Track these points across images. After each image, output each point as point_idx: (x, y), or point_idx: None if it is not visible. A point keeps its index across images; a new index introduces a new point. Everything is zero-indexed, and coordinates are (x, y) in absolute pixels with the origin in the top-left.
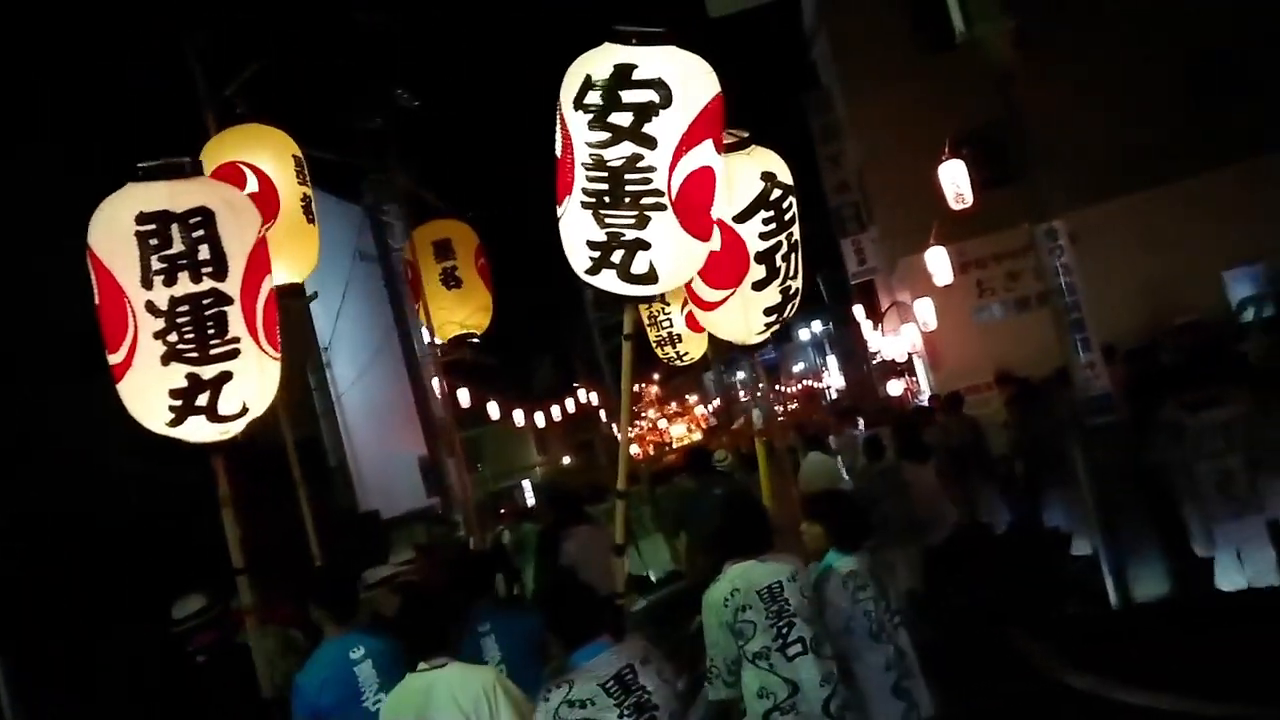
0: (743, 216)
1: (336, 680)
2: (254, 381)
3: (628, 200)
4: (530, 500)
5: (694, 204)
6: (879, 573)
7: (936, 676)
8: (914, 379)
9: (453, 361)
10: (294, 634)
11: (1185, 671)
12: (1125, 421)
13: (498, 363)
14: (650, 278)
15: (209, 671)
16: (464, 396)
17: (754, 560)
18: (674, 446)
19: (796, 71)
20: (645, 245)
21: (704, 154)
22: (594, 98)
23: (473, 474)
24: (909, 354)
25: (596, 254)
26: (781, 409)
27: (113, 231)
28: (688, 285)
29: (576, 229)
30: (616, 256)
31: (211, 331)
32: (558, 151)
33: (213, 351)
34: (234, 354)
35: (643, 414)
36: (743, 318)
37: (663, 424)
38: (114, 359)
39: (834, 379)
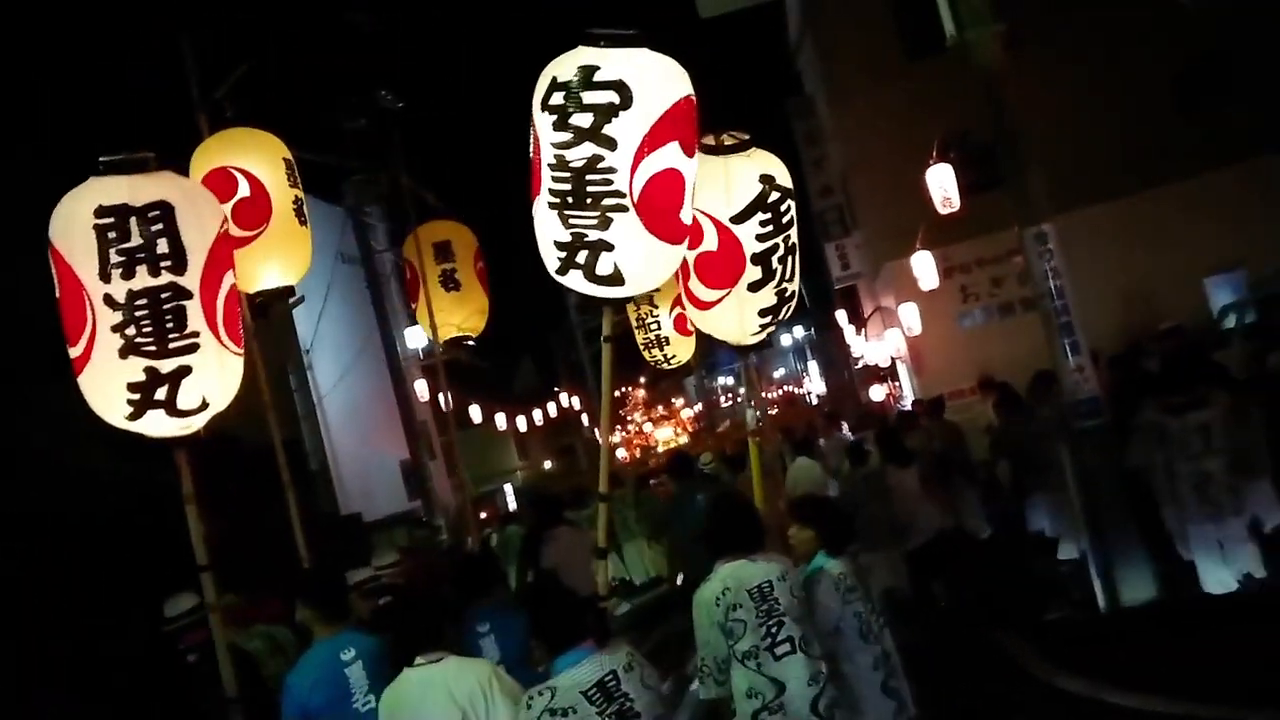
0: (740, 218)
1: (327, 681)
2: (214, 376)
3: (589, 201)
4: (512, 504)
5: (658, 206)
6: (860, 576)
7: (923, 678)
8: (897, 384)
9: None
10: (280, 633)
11: (1175, 673)
12: (1112, 425)
13: (489, 365)
14: (616, 279)
15: (199, 670)
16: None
17: (745, 559)
18: (660, 450)
19: (781, 76)
20: (609, 246)
21: (668, 156)
22: (557, 99)
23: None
24: (892, 359)
25: (563, 254)
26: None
27: (72, 225)
28: (684, 286)
29: (545, 229)
30: (581, 257)
31: (170, 325)
32: (530, 152)
33: (171, 345)
34: (193, 348)
35: (628, 418)
36: (737, 318)
37: (648, 427)
38: (74, 352)
39: (815, 384)
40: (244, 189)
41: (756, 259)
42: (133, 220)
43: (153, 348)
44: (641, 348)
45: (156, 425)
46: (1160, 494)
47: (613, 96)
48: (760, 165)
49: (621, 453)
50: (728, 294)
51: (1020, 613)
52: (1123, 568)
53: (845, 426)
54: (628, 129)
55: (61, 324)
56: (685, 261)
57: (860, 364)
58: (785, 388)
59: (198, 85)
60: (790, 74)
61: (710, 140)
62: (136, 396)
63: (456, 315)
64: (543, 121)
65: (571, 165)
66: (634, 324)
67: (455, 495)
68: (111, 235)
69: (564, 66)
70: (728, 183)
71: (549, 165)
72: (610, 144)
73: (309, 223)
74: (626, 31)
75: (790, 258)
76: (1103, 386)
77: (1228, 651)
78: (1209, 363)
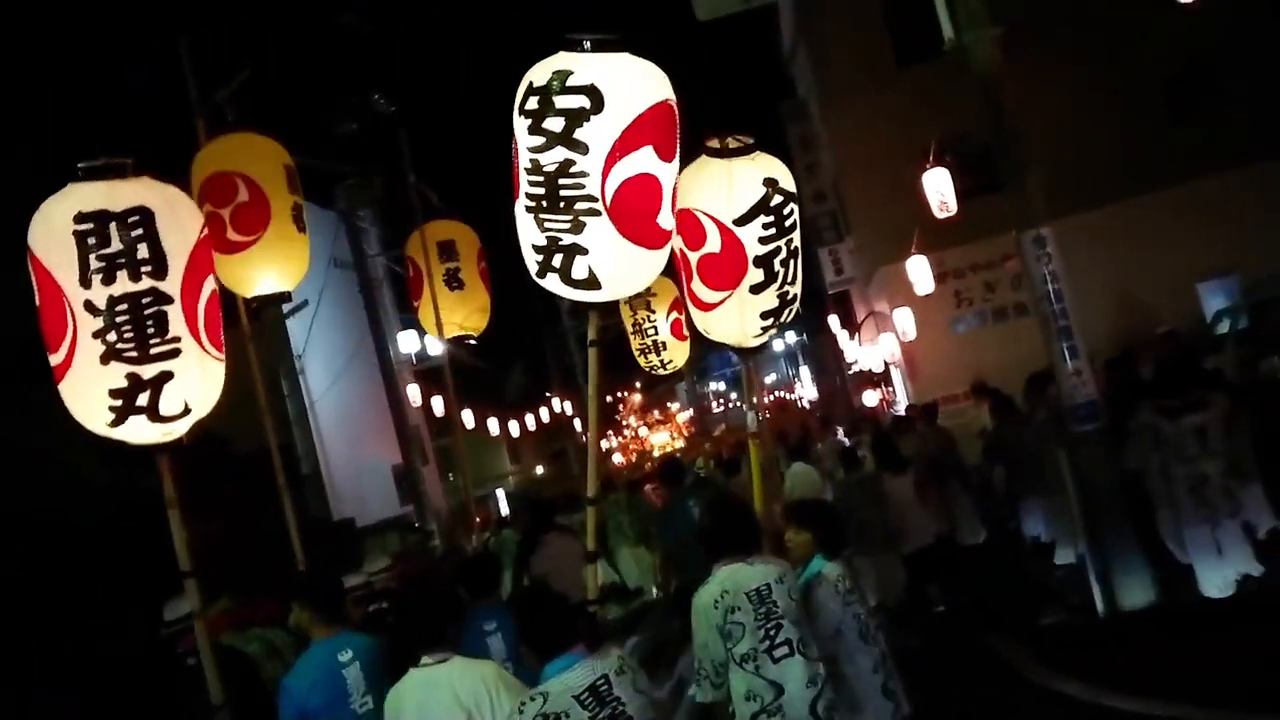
0: (743, 220)
1: (325, 682)
2: (196, 381)
3: (563, 205)
4: (504, 509)
5: (632, 211)
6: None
7: (920, 683)
8: (890, 389)
9: (434, 369)
10: (277, 637)
11: (1174, 677)
12: (1109, 428)
13: (489, 366)
14: (592, 283)
15: (199, 672)
16: (438, 404)
17: (743, 562)
18: (656, 455)
19: (773, 81)
20: (583, 250)
21: (642, 161)
22: (533, 103)
23: (457, 480)
24: (886, 364)
25: (540, 258)
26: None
27: (51, 231)
28: (687, 287)
29: (523, 233)
30: (557, 261)
31: (151, 331)
32: (511, 157)
33: (153, 351)
34: (175, 353)
35: (624, 422)
36: (739, 320)
37: (644, 432)
38: (54, 359)
39: (807, 390)
40: (243, 194)
41: (759, 261)
42: (112, 226)
43: (134, 353)
44: (637, 353)
45: (139, 432)
46: (1155, 497)
47: (584, 101)
48: (764, 169)
49: (618, 458)
50: (730, 295)
51: (1016, 617)
52: (1121, 572)
53: (840, 431)
54: (599, 133)
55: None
56: (688, 262)
57: (854, 369)
58: (777, 393)
59: (195, 89)
60: (783, 78)
61: (715, 143)
62: (118, 403)
63: (459, 314)
64: (519, 126)
65: (545, 169)
66: (630, 329)
67: (447, 499)
68: (91, 241)
69: (540, 72)
70: (731, 185)
71: (525, 169)
72: (582, 148)
73: (307, 229)
74: (607, 36)
75: (792, 261)
76: (1099, 390)
77: (1227, 654)
78: (1202, 368)
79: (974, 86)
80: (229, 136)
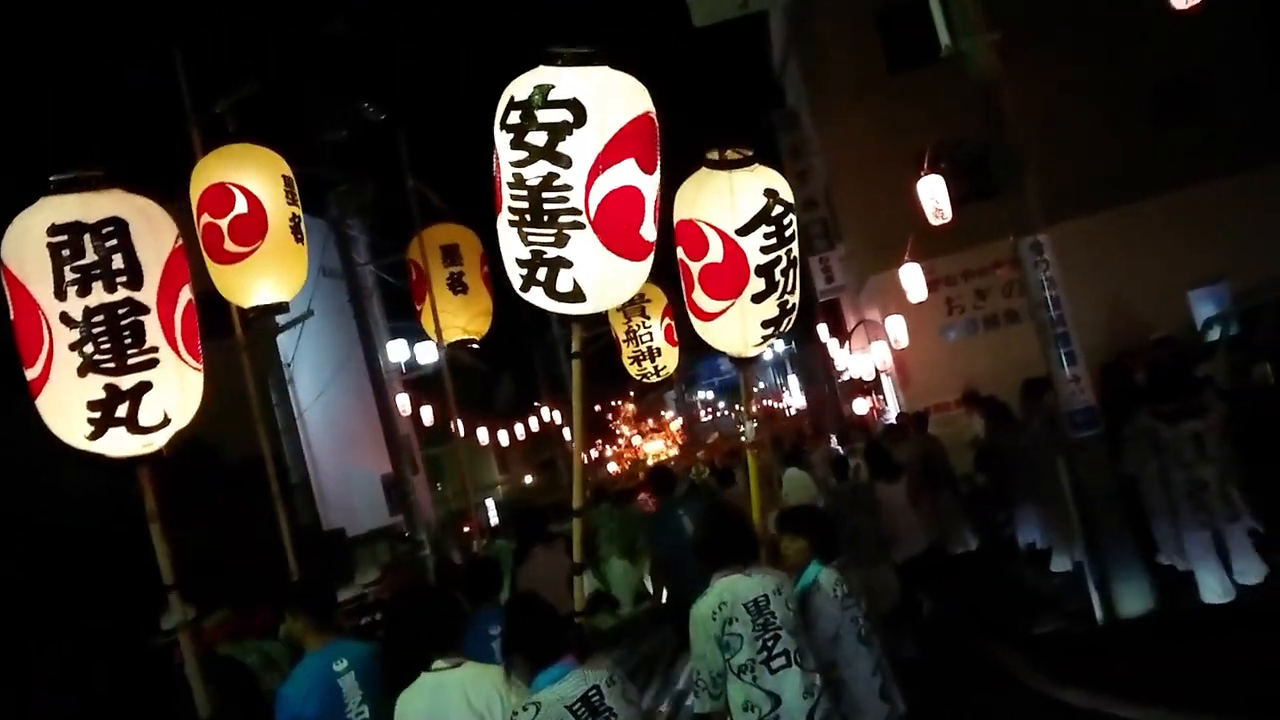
0: (745, 230)
1: (320, 691)
2: (175, 391)
3: (546, 219)
4: (494, 519)
5: (616, 223)
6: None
7: (918, 690)
8: (880, 397)
9: (424, 378)
10: (274, 649)
11: (1174, 684)
12: (1106, 434)
13: (488, 369)
14: (577, 296)
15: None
16: (427, 414)
17: (740, 573)
18: (650, 464)
19: (764, 90)
20: (567, 263)
21: (625, 173)
22: (514, 118)
23: (446, 490)
24: (877, 371)
25: (525, 271)
26: (741, 429)
27: (25, 244)
28: (688, 297)
29: (507, 247)
30: (542, 274)
31: (128, 341)
32: (493, 171)
33: (130, 361)
34: (152, 363)
35: (617, 431)
36: (740, 329)
37: (636, 440)
38: (30, 374)
39: (795, 398)
40: (241, 205)
41: (760, 271)
42: (86, 237)
43: (111, 364)
44: (630, 361)
45: (118, 444)
46: (1150, 503)
47: (566, 115)
48: (764, 180)
49: (613, 466)
50: (731, 305)
51: (1012, 625)
52: (1119, 579)
53: (834, 439)
54: (582, 146)
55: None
56: (690, 273)
57: (844, 377)
58: (765, 401)
59: (190, 101)
60: (773, 88)
61: (714, 156)
62: (97, 415)
63: (462, 318)
64: (501, 140)
65: (528, 183)
66: (623, 337)
67: (436, 509)
68: (66, 253)
69: (521, 86)
70: (733, 196)
71: (508, 183)
72: (565, 161)
73: (305, 239)
74: (585, 49)
75: (791, 270)
76: (1095, 395)
77: (1227, 661)
78: (1195, 374)
79: (967, 93)
80: (227, 147)
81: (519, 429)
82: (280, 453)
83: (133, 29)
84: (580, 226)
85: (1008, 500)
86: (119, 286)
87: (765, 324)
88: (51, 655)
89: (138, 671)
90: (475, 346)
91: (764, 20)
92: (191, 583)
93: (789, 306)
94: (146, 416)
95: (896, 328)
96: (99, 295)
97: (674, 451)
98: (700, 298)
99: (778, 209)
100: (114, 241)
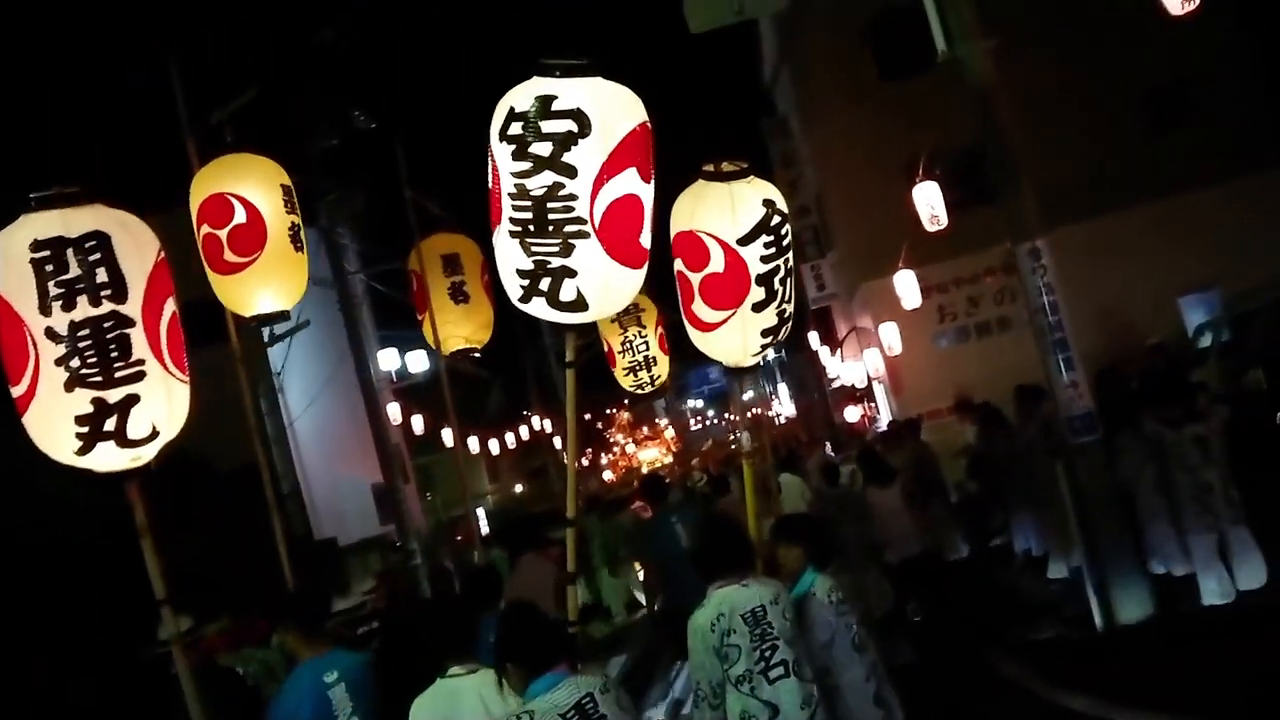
0: (746, 240)
1: (311, 702)
2: (162, 404)
3: (551, 228)
4: (485, 528)
5: (619, 232)
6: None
7: (916, 697)
8: (872, 404)
9: (414, 386)
10: (273, 657)
11: (1174, 690)
12: (1104, 440)
13: (490, 375)
14: (579, 305)
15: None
16: (418, 423)
17: (738, 584)
18: (645, 472)
19: (754, 99)
20: (571, 273)
21: (627, 182)
22: (516, 129)
23: (436, 499)
24: (869, 379)
25: (526, 282)
26: (732, 438)
27: (8, 260)
28: (687, 308)
29: (506, 258)
30: (544, 284)
31: (115, 354)
32: (489, 183)
33: (117, 374)
34: (139, 376)
35: (611, 440)
36: (741, 339)
37: (630, 448)
38: (16, 391)
39: (785, 407)
40: (240, 215)
41: (760, 280)
42: (69, 251)
43: (98, 378)
44: (625, 372)
45: (107, 458)
46: (1145, 509)
47: (571, 125)
48: (761, 191)
49: (608, 475)
50: (733, 315)
51: (1009, 631)
52: (1118, 584)
53: (828, 446)
54: (587, 156)
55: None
56: (689, 284)
57: (835, 385)
58: (755, 409)
59: (186, 112)
60: (763, 97)
61: (710, 168)
62: (85, 429)
63: (465, 328)
64: (501, 152)
65: (532, 194)
66: (618, 349)
67: (426, 518)
68: (49, 268)
69: (520, 97)
70: (734, 207)
71: (509, 194)
72: (570, 171)
73: (305, 248)
74: (579, 61)
75: (789, 279)
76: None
77: (1227, 666)
78: (1189, 381)
79: (958, 100)
80: (225, 158)
81: (509, 437)
82: (271, 462)
83: (128, 37)
84: (585, 236)
85: (1003, 506)
86: (103, 300)
87: (765, 333)
88: (43, 667)
89: (131, 683)
90: (478, 355)
91: (755, 31)
92: (188, 592)
93: (786, 315)
94: (135, 430)
95: (890, 334)
96: (84, 309)
97: (669, 459)
98: (700, 308)
99: (776, 219)
100: (97, 255)
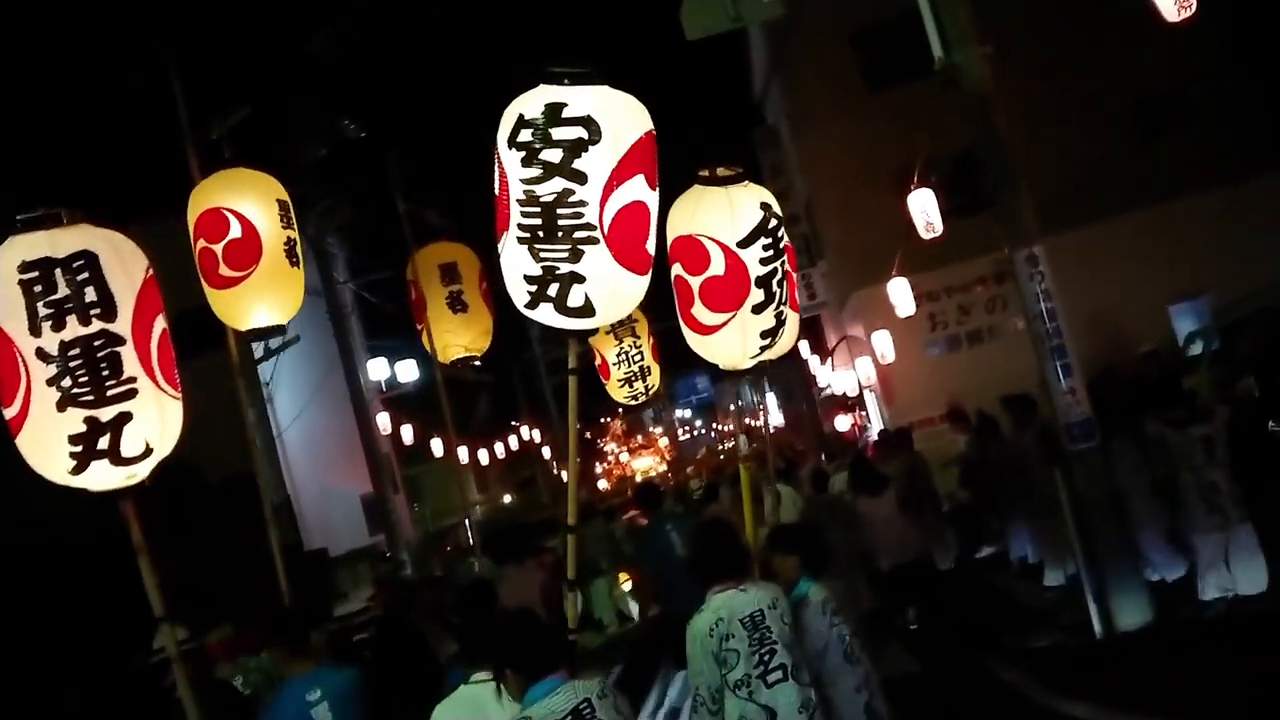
0: (745, 242)
1: None
2: (155, 420)
3: (560, 234)
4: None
5: (627, 238)
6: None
7: (914, 704)
8: (863, 413)
9: (404, 396)
10: (267, 664)
11: (1173, 696)
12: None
13: (490, 379)
14: (587, 311)
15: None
16: (407, 433)
17: (735, 588)
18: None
19: (744, 109)
20: (580, 278)
21: (635, 189)
22: (526, 135)
23: (424, 509)
24: (861, 387)
25: (534, 288)
26: (722, 446)
27: None
28: (686, 312)
29: (514, 264)
30: (553, 290)
31: (106, 373)
32: (495, 190)
33: (109, 393)
34: (131, 394)
35: (605, 448)
36: (740, 341)
37: (624, 457)
38: (10, 412)
39: (773, 416)
40: (235, 230)
41: (760, 282)
42: (57, 271)
43: (90, 397)
44: (620, 383)
45: (101, 477)
46: (1139, 516)
47: (581, 132)
48: (758, 195)
49: (603, 484)
50: (732, 317)
51: (1007, 638)
52: (1117, 591)
53: (823, 455)
54: (597, 163)
55: None
56: (689, 287)
57: (825, 393)
58: (745, 419)
59: (188, 127)
60: (753, 107)
61: (706, 173)
62: (79, 448)
63: (464, 336)
64: (510, 158)
65: (542, 200)
66: (613, 359)
67: (415, 528)
68: (37, 289)
69: (530, 104)
70: (733, 210)
71: (518, 201)
72: (580, 178)
73: (301, 263)
74: (583, 69)
75: (785, 281)
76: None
77: (1227, 671)
78: (1182, 388)
79: (950, 109)
80: (222, 173)
81: (498, 448)
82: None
83: (128, 37)
84: (594, 241)
85: (997, 515)
86: (93, 319)
87: (763, 334)
88: (38, 676)
89: (123, 693)
90: (478, 364)
91: (745, 41)
92: (183, 601)
93: (783, 317)
94: (128, 447)
95: (882, 343)
96: (74, 329)
97: (663, 467)
98: (700, 311)
99: (773, 221)
100: (85, 275)
